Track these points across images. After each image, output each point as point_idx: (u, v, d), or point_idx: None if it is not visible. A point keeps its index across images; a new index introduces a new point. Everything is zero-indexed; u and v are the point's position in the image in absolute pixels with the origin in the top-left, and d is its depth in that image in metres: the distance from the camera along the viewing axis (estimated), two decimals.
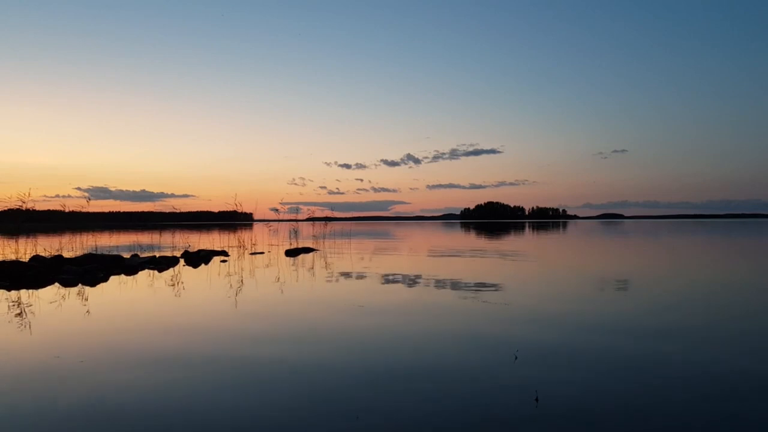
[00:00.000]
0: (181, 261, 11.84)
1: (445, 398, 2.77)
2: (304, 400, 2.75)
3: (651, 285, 7.29)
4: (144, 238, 24.50)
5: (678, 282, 7.65)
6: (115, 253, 11.33)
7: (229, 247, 17.11)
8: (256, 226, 66.88)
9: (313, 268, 10.23)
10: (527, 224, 72.14)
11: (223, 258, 12.88)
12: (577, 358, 3.51)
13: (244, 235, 22.14)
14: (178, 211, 18.36)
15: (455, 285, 7.32)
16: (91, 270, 9.07)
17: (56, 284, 7.70)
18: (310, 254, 14.24)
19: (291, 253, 14.56)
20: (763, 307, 5.58)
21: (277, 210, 19.18)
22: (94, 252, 11.05)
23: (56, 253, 10.21)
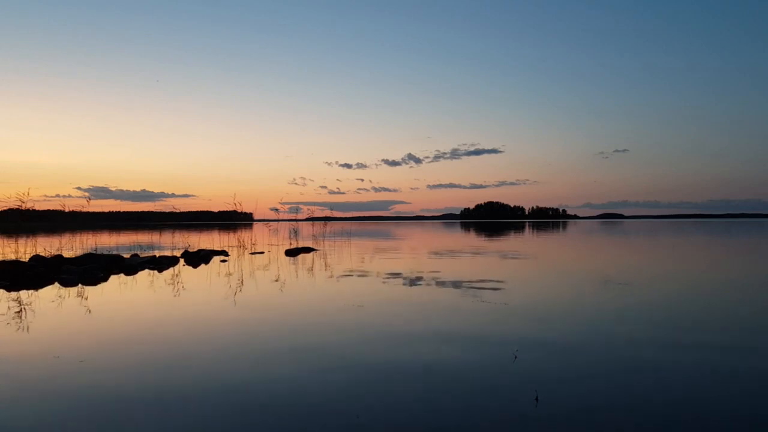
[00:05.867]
0: (181, 261, 11.84)
1: (444, 398, 2.76)
2: (303, 399, 2.75)
3: (651, 285, 7.29)
4: (144, 238, 24.49)
5: (678, 282, 7.65)
6: (115, 252, 11.33)
7: (229, 246, 17.11)
8: (256, 225, 66.86)
9: (312, 267, 10.23)
10: (527, 224, 72.11)
11: (223, 258, 12.88)
12: (577, 358, 3.51)
13: (244, 235, 22.12)
14: (178, 211, 18.36)
15: (455, 285, 7.32)
16: (91, 270, 9.06)
17: (56, 284, 7.69)
18: (310, 254, 14.24)
19: (291, 252, 14.55)
20: (765, 306, 5.58)
21: (277, 210, 19.20)
22: (94, 252, 11.05)
23: (56, 253, 10.21)
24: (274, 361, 3.51)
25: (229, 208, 17.84)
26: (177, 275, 8.92)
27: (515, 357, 3.52)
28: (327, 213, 22.59)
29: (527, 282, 7.70)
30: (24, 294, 6.73)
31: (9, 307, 5.71)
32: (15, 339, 4.22)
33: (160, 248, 15.62)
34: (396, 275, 8.63)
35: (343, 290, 6.95)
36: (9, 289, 7.16)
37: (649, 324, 4.60)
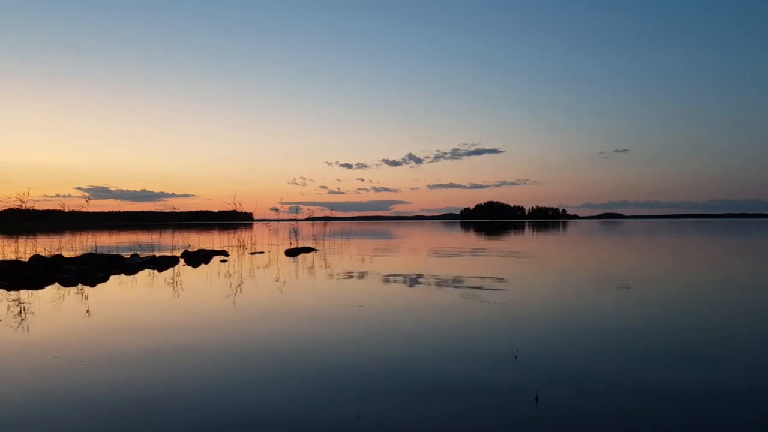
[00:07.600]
0: (181, 261, 11.84)
1: (444, 398, 2.76)
2: (303, 400, 2.75)
3: (651, 285, 7.29)
4: (144, 237, 24.48)
5: (678, 282, 7.65)
6: (115, 252, 11.33)
7: (229, 246, 17.10)
8: (256, 225, 66.86)
9: (312, 267, 10.23)
10: (527, 224, 72.14)
11: (223, 258, 12.88)
12: (577, 358, 3.51)
13: (244, 235, 22.12)
14: (178, 210, 18.36)
15: (455, 285, 7.32)
16: (90, 270, 9.06)
17: (56, 284, 7.69)
18: (310, 254, 14.24)
19: (291, 252, 14.55)
20: (765, 305, 5.58)
21: (277, 210, 19.21)
22: (94, 252, 11.05)
23: (56, 253, 10.21)
24: (274, 360, 3.50)
25: (229, 208, 17.85)
26: (177, 275, 8.92)
27: (515, 357, 3.52)
28: (327, 213, 22.62)
29: (527, 282, 7.70)
30: (24, 294, 6.73)
31: (9, 307, 5.71)
32: (15, 339, 4.22)
33: (160, 248, 15.61)
34: (396, 275, 8.62)
35: (343, 290, 6.95)
36: (9, 289, 7.16)
37: (649, 324, 4.60)
